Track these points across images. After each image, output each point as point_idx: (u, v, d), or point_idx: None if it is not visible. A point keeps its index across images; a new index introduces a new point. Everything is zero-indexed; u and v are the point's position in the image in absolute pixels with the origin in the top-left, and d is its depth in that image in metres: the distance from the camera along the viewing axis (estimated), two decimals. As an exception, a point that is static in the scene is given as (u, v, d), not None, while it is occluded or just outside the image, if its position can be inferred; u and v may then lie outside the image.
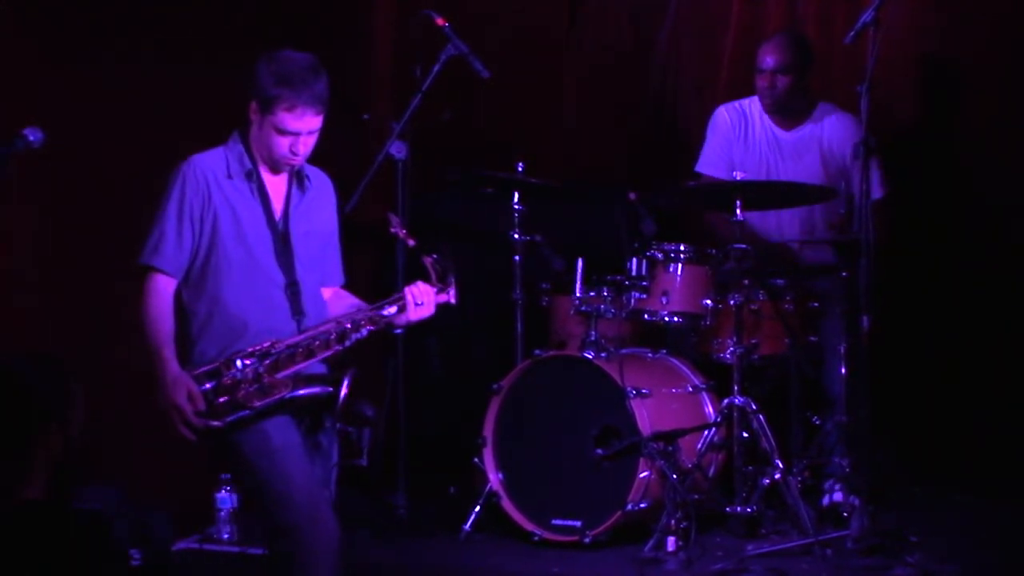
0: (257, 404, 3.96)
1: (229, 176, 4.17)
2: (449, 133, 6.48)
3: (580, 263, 5.54)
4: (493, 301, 6.00)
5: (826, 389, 5.68)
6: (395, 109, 5.99)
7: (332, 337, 4.08)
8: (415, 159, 5.63)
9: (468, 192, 6.22)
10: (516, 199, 5.71)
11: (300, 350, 4.04)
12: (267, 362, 4.00)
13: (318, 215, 4.26)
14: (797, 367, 5.57)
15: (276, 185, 4.21)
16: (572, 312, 5.58)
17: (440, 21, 5.57)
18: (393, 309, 4.16)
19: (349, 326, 4.09)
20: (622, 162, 6.67)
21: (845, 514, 5.27)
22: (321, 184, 4.30)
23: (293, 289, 4.13)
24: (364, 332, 4.13)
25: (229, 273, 4.12)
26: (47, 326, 5.47)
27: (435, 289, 4.19)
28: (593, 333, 5.45)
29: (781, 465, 5.33)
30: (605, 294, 5.55)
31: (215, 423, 3.96)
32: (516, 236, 5.70)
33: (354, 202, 5.49)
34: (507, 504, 5.38)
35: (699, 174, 6.09)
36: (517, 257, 5.72)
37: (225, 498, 5.26)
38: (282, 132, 4.09)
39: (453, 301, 4.25)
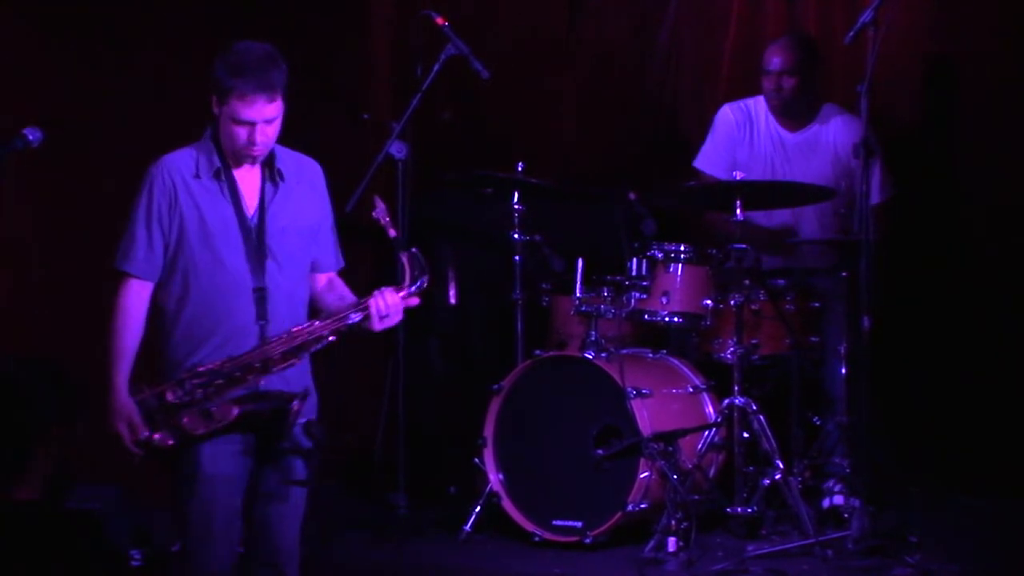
0: (200, 431, 3.94)
1: (197, 176, 4.12)
2: (449, 133, 6.48)
3: (580, 263, 5.54)
4: (493, 301, 6.00)
5: (827, 389, 5.68)
6: (395, 109, 5.99)
7: (290, 349, 4.03)
8: (415, 159, 5.62)
9: (468, 192, 6.22)
10: (516, 199, 5.71)
11: (256, 366, 4.00)
12: (219, 381, 3.97)
13: (298, 207, 4.18)
14: (798, 367, 5.56)
15: (249, 182, 4.15)
16: (572, 312, 5.58)
17: (440, 21, 5.56)
18: (359, 316, 4.09)
19: (310, 338, 4.04)
20: (622, 162, 6.67)
21: (846, 515, 5.26)
22: (302, 173, 4.23)
23: (260, 294, 4.08)
24: (325, 343, 4.08)
25: (195, 277, 4.09)
26: (47, 325, 5.47)
27: (403, 294, 4.10)
28: (593, 333, 5.45)
29: (782, 465, 5.33)
30: (605, 294, 5.55)
31: (158, 444, 3.96)
32: (516, 236, 5.70)
33: (354, 202, 5.49)
34: (507, 504, 5.38)
35: (696, 170, 6.07)
36: (517, 257, 5.72)
37: (225, 498, 5.24)
38: (238, 122, 4.04)
39: (429, 300, 4.18)
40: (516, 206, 5.71)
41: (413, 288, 4.10)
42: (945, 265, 6.23)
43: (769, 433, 5.36)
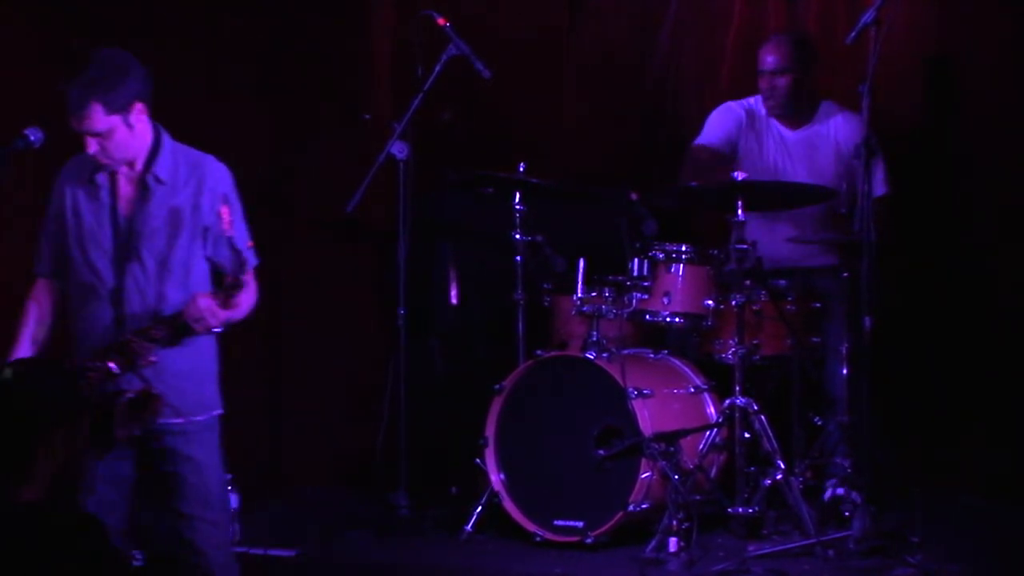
0: None
1: (81, 178, 4.25)
2: (450, 133, 6.48)
3: (582, 263, 5.54)
4: (495, 301, 6.00)
5: (828, 390, 5.68)
6: (396, 109, 5.99)
7: (129, 353, 4.10)
8: (416, 159, 5.63)
9: (469, 192, 6.22)
10: (517, 199, 5.70)
11: (98, 366, 4.07)
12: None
13: (178, 209, 4.23)
14: (799, 368, 5.56)
15: (128, 185, 4.24)
16: (574, 312, 5.58)
17: (441, 21, 5.58)
18: (179, 322, 4.15)
19: (145, 341, 4.09)
20: (623, 162, 6.67)
21: (847, 512, 5.26)
22: (192, 174, 4.27)
23: (116, 296, 4.17)
24: (158, 347, 4.14)
25: (72, 276, 4.25)
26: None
27: (217, 301, 4.10)
28: (595, 333, 5.45)
29: (783, 466, 5.33)
30: (607, 294, 5.55)
31: None
32: (518, 236, 5.69)
33: (355, 202, 5.49)
34: (509, 504, 5.38)
35: (696, 146, 6.03)
36: (519, 257, 5.71)
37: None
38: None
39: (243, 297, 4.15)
40: (517, 206, 5.70)
41: (229, 284, 4.11)
42: (945, 265, 6.23)
43: (770, 433, 5.36)
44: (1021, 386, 5.92)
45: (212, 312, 4.10)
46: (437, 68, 5.58)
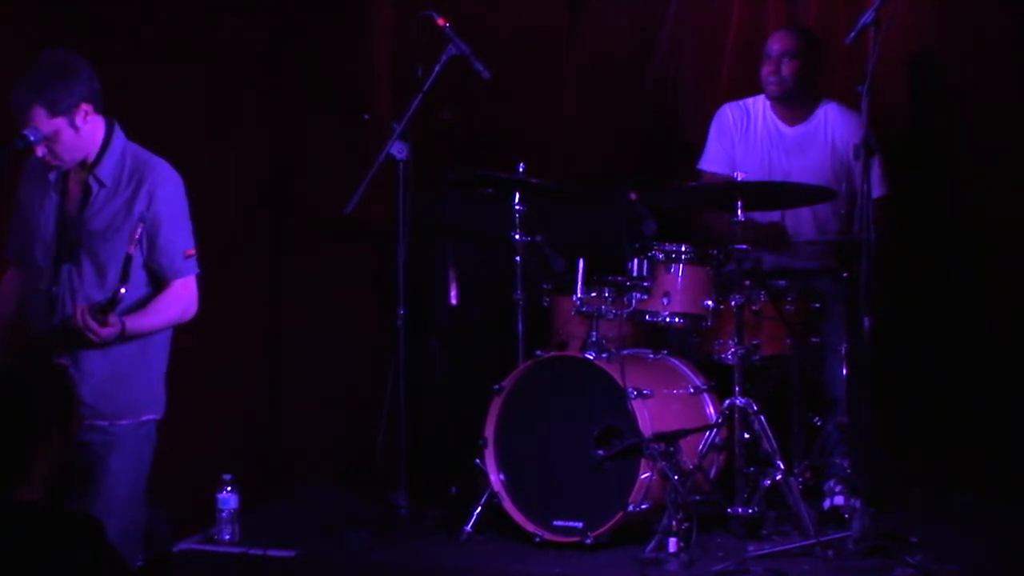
0: None
1: (39, 175, 4.28)
2: (449, 133, 6.48)
3: (581, 264, 5.53)
4: (494, 302, 6.00)
5: (827, 390, 5.68)
6: (395, 109, 5.99)
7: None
8: (416, 159, 5.63)
9: (469, 192, 6.23)
10: (517, 199, 5.70)
11: None
12: None
13: (117, 212, 4.22)
14: (798, 368, 5.56)
15: (77, 186, 4.25)
16: (573, 313, 5.57)
17: (441, 21, 5.58)
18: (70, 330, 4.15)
19: (41, 353, 4.12)
20: (622, 162, 6.67)
21: (846, 515, 5.26)
22: (134, 178, 4.25)
23: (51, 296, 4.19)
24: (60, 352, 4.14)
25: (25, 272, 4.31)
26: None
27: (96, 318, 4.07)
28: (594, 334, 5.44)
29: (782, 466, 5.32)
30: (606, 295, 5.55)
31: None
32: (517, 237, 5.69)
33: (355, 202, 5.49)
34: (508, 505, 5.37)
35: (701, 172, 6.08)
36: (518, 258, 5.70)
37: (227, 499, 5.25)
38: None
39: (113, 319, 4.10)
40: (517, 206, 5.70)
41: (98, 304, 4.09)
42: (946, 265, 6.23)
43: (770, 434, 5.36)
44: (1021, 386, 5.92)
45: (88, 328, 4.06)
46: (437, 68, 5.58)
